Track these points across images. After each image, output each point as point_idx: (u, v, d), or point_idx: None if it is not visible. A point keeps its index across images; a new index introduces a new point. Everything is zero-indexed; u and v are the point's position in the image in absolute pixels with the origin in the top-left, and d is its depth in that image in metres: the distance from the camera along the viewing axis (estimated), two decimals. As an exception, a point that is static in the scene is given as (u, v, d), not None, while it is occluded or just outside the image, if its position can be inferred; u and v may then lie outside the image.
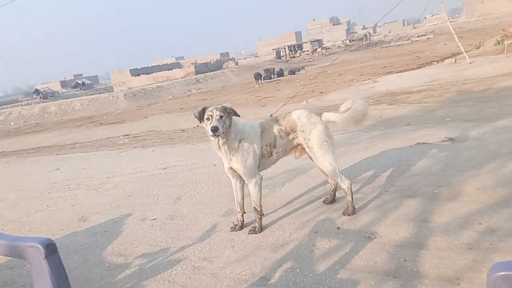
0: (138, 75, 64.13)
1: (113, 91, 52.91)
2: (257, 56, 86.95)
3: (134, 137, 14.25)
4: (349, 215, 3.99)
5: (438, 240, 3.27)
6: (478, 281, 2.69)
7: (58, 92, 73.95)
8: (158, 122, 18.91)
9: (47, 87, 79.79)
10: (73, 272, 3.79)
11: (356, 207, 4.09)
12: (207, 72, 52.93)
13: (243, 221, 4.21)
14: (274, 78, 36.47)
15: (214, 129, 3.53)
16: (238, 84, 38.75)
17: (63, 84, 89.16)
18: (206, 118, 3.65)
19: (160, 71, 64.55)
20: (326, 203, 4.42)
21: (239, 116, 3.76)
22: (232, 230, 4.16)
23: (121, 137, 14.71)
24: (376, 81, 17.81)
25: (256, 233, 3.99)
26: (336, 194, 4.45)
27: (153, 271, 3.60)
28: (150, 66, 77.38)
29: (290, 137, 4.00)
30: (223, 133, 3.62)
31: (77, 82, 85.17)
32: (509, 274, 1.13)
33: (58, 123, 29.20)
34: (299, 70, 40.17)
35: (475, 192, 4.02)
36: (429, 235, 3.37)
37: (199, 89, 40.25)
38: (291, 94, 17.13)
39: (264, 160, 3.97)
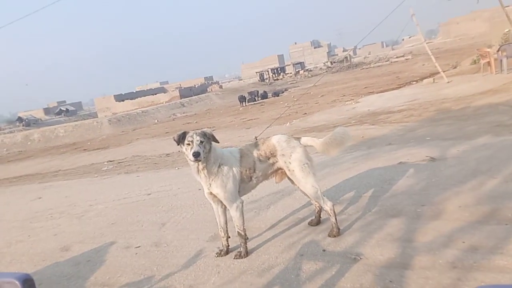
0: (123, 100, 63.89)
1: (97, 117, 52.54)
2: (241, 79, 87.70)
3: (119, 162, 14.10)
4: (334, 236, 3.98)
5: (422, 259, 3.28)
6: (463, 300, 2.68)
7: (41, 119, 73.06)
8: (143, 146, 18.76)
9: (30, 115, 78.76)
10: (54, 304, 3.68)
11: (340, 228, 4.08)
12: (191, 96, 53.04)
13: (228, 245, 4.16)
14: (258, 100, 36.68)
15: (196, 155, 3.55)
16: (223, 107, 38.87)
17: (47, 111, 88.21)
18: (187, 144, 3.66)
19: (144, 96, 64.45)
20: (311, 225, 4.41)
21: (218, 142, 3.78)
22: (217, 256, 4.10)
23: (105, 163, 14.55)
24: (358, 101, 18.06)
25: (242, 258, 3.94)
26: (321, 216, 4.44)
27: (137, 301, 3.51)
28: (134, 91, 77.23)
29: (270, 161, 4.03)
30: (204, 157, 3.63)
31: (60, 109, 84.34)
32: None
33: (42, 150, 28.75)
34: (282, 92, 40.51)
35: (457, 210, 4.06)
36: (414, 255, 3.37)
37: (184, 113, 40.22)
38: (276, 116, 17.24)
39: (244, 185, 3.97)
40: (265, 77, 69.73)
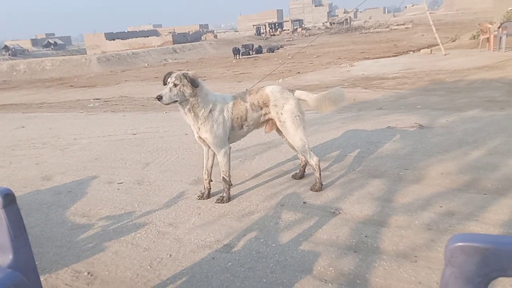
0: (113, 40, 62.14)
1: (86, 54, 51.22)
2: (237, 31, 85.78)
3: (105, 101, 13.88)
4: (316, 191, 4.06)
5: (399, 219, 3.36)
6: (434, 260, 2.78)
7: (28, 50, 70.82)
8: (131, 89, 18.46)
9: (17, 44, 76.13)
10: (34, 229, 3.71)
11: (323, 183, 4.14)
12: (185, 43, 51.78)
13: (210, 189, 4.21)
14: (252, 54, 36.04)
15: (158, 97, 3.60)
16: (215, 57, 38.18)
17: (34, 42, 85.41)
18: (165, 84, 3.68)
19: (136, 37, 62.74)
20: (295, 178, 4.46)
21: (196, 86, 3.69)
22: (199, 198, 4.16)
23: (92, 100, 14.33)
24: (353, 65, 17.90)
25: (223, 203, 4.00)
26: (305, 171, 4.48)
27: (116, 233, 3.56)
28: (126, 31, 75.00)
29: (263, 111, 4.02)
30: (170, 102, 3.63)
31: (48, 41, 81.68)
32: (466, 245, 1.16)
33: (27, 82, 28.09)
34: (278, 49, 39.83)
35: (439, 176, 4.13)
36: (391, 214, 3.45)
37: (175, 59, 39.43)
38: (268, 72, 17.04)
39: (234, 132, 3.99)
40: (261, 31, 68.32)
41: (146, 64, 36.08)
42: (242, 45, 38.04)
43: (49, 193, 4.67)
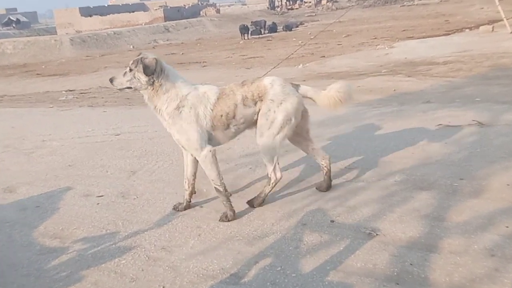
0: (90, 16, 62.71)
1: (57, 34, 51.74)
2: (245, 4, 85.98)
3: (81, 93, 14.06)
4: (254, 206, 4.22)
5: (453, 243, 3.35)
6: (498, 294, 2.77)
7: (-17, 30, 71.97)
8: (113, 77, 18.64)
9: (-30, 22, 77.50)
10: (-7, 254, 3.77)
11: (356, 197, 4.16)
12: (179, 19, 52.14)
13: (189, 201, 4.35)
14: (264, 33, 36.15)
15: (110, 80, 4.04)
16: (218, 37, 38.37)
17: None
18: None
19: (119, 13, 63.28)
20: (320, 190, 4.47)
21: (147, 75, 3.82)
22: (174, 209, 4.31)
23: (64, 92, 14.51)
24: (392, 46, 17.87)
25: (228, 220, 4.03)
26: (332, 179, 4.49)
27: (96, 258, 3.60)
28: (106, 5, 75.76)
29: (257, 107, 4.07)
30: (122, 88, 4.00)
31: (9, 18, 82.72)
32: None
33: (-18, 70, 28.52)
34: (297, 26, 39.90)
35: (505, 188, 4.11)
36: (443, 236, 3.44)
37: (167, 40, 39.70)
38: (285, 55, 17.07)
39: (217, 132, 4.05)
40: (276, 4, 68.37)
41: (132, 47, 36.37)
42: (252, 22, 38.14)
43: (12, 208, 4.73)
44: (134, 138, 7.01)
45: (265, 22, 38.58)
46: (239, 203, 4.26)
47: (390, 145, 5.53)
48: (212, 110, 3.94)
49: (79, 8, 65.41)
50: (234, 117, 4.00)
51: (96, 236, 3.98)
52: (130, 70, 3.87)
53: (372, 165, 4.99)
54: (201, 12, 63.35)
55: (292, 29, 37.45)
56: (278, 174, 4.17)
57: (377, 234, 3.56)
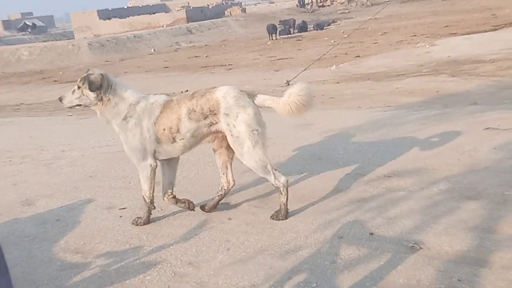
0: (109, 19, 63.87)
1: (74, 38, 52.81)
2: (272, 2, 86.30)
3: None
4: (279, 219, 4.25)
5: (505, 256, 3.30)
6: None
7: (-1, 36, 73.91)
8: (134, 83, 18.79)
9: (-15, 28, 79.74)
10: (13, 270, 3.84)
11: (397, 208, 4.13)
12: (202, 20, 52.66)
13: (192, 203, 4.54)
14: (294, 33, 36.25)
15: (59, 99, 4.35)
16: (244, 38, 38.62)
17: (6, 24, 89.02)
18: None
19: (139, 15, 64.25)
20: (201, 208, 4.60)
21: (92, 91, 4.14)
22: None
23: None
24: (434, 44, 17.70)
25: (137, 225, 4.43)
26: (219, 203, 4.63)
27: (119, 274, 3.66)
28: (125, 7, 77.00)
29: (207, 121, 4.20)
30: (72, 106, 4.33)
31: (25, 23, 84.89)
32: None
33: (-2, 77, 29.26)
34: (329, 25, 39.87)
35: (561, 197, 4.03)
36: (494, 250, 3.40)
37: (190, 42, 40.14)
38: (316, 56, 17.08)
39: (165, 145, 4.29)
40: (306, 1, 68.45)
41: (153, 50, 36.91)
42: (280, 21, 38.27)
43: (32, 222, 4.83)
44: (157, 147, 7.09)
45: (294, 21, 38.64)
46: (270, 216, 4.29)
47: (434, 151, 5.49)
48: (154, 123, 4.20)
49: (98, 10, 66.60)
50: (178, 131, 4.19)
51: (119, 251, 4.04)
52: (78, 87, 4.19)
53: (414, 172, 4.96)
54: (225, 12, 63.86)
55: (324, 28, 37.45)
56: (283, 179, 4.24)
57: (420, 248, 3.53)
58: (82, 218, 4.80)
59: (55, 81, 23.51)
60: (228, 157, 4.52)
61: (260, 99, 4.24)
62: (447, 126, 6.38)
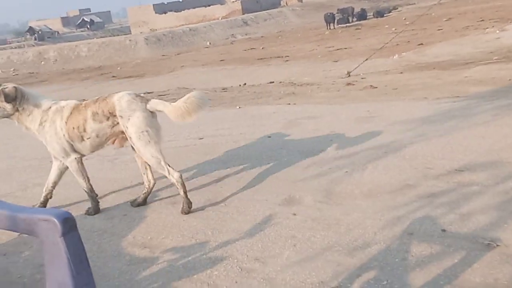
0: (165, 13, 65.03)
1: (131, 34, 54.07)
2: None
3: (159, 95, 14.57)
4: (185, 213, 4.72)
5: None
6: None
7: (58, 32, 76.46)
8: (191, 77, 19.24)
9: (45, 25, 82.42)
10: (84, 264, 4.02)
11: (470, 203, 4.05)
12: (258, 11, 52.80)
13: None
14: (353, 21, 35.89)
15: None
16: (301, 28, 38.47)
17: (65, 21, 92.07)
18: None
19: (194, 8, 65.05)
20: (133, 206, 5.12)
21: (8, 103, 4.64)
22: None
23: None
24: (504, 29, 17.10)
25: (89, 214, 5.01)
26: (145, 202, 5.14)
27: (187, 269, 3.75)
28: (180, 0, 78.09)
29: (109, 122, 4.76)
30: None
31: (83, 19, 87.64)
32: None
33: (59, 74, 30.38)
34: (389, 12, 39.24)
35: None
36: None
37: (246, 34, 40.38)
38: (377, 45, 16.83)
39: (76, 144, 4.85)
40: (365, -12, 67.39)
41: (208, 43, 37.37)
42: (338, 10, 37.94)
43: (100, 217, 5.02)
44: (218, 141, 7.20)
45: (353, 9, 38.27)
46: (336, 211, 4.30)
47: (508, 143, 5.33)
48: (66, 123, 4.74)
49: (153, 5, 67.92)
50: (85, 130, 4.73)
51: (185, 246, 4.14)
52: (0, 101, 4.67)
53: (487, 166, 4.84)
54: (281, 2, 63.78)
55: (384, 15, 36.92)
56: (176, 175, 4.75)
57: (497, 245, 3.45)
58: (147, 213, 4.95)
59: (113, 76, 24.15)
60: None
61: (152, 103, 4.78)
62: (522, 116, 6.18)
